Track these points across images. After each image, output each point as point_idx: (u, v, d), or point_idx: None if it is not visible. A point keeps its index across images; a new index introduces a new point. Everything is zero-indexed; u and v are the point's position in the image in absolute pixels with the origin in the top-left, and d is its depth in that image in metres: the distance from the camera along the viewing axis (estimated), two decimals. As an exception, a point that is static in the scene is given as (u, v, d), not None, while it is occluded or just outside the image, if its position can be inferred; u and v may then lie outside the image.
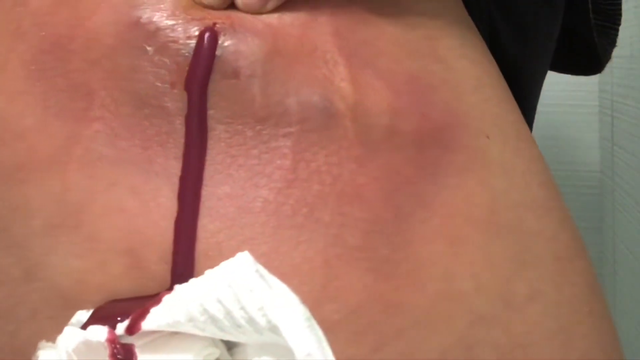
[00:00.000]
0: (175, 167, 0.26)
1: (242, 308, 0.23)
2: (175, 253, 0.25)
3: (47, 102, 0.28)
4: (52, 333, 0.26)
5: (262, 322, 0.22)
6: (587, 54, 0.49)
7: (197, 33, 0.27)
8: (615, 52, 0.85)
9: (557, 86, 0.86)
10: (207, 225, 0.26)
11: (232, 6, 0.28)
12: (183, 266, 0.25)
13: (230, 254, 0.25)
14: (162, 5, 0.28)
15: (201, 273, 0.25)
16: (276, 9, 0.28)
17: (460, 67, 0.31)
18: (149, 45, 0.27)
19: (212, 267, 0.25)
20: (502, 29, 0.40)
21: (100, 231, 0.26)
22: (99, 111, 0.27)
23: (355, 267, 0.26)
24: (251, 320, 0.22)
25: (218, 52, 0.27)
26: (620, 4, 0.48)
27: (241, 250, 0.25)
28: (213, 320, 0.23)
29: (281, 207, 0.26)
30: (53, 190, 0.27)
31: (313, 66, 0.28)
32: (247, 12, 0.28)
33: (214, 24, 0.27)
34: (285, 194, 0.26)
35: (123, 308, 0.25)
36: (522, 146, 0.31)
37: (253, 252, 0.25)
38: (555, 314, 0.28)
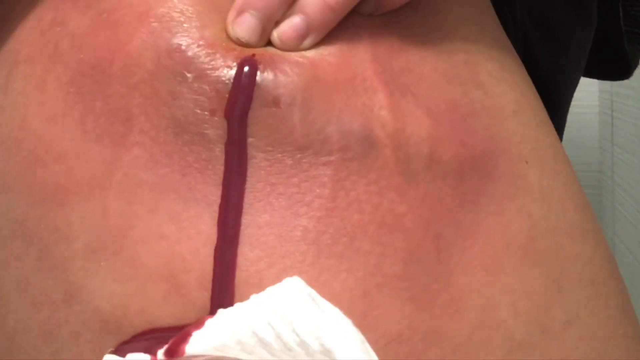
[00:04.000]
0: (214, 194, 0.27)
1: (294, 331, 0.23)
2: (215, 280, 0.26)
3: (85, 125, 0.28)
4: (92, 356, 0.26)
5: (314, 345, 0.23)
6: (616, 59, 0.50)
7: (236, 62, 0.27)
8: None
9: (558, 86, 0.86)
10: (247, 254, 0.26)
11: (269, 44, 0.29)
12: (223, 293, 0.26)
13: (270, 282, 0.25)
14: (201, 34, 0.28)
15: (241, 300, 0.25)
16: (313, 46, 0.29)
17: (500, 91, 0.31)
18: (189, 72, 0.27)
19: (252, 294, 0.25)
20: (536, 44, 0.41)
21: (141, 257, 0.26)
22: (139, 137, 0.27)
23: (394, 297, 0.26)
24: (303, 343, 0.23)
25: (258, 80, 0.27)
26: None
27: (281, 278, 0.25)
28: (262, 343, 0.23)
29: (321, 236, 0.26)
30: (93, 215, 0.27)
31: (352, 94, 0.28)
32: (284, 49, 0.28)
33: (253, 54, 0.28)
34: (325, 223, 0.26)
35: (161, 336, 0.26)
36: (559, 169, 0.31)
37: (294, 281, 0.26)
38: (591, 339, 0.29)
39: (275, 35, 0.28)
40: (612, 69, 0.51)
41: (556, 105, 0.43)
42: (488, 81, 0.31)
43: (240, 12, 0.28)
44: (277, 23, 0.29)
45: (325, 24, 0.29)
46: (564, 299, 0.28)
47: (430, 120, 0.28)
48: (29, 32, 0.30)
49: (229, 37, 0.28)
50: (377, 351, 0.25)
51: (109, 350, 0.26)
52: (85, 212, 0.27)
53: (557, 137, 0.33)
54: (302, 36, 0.28)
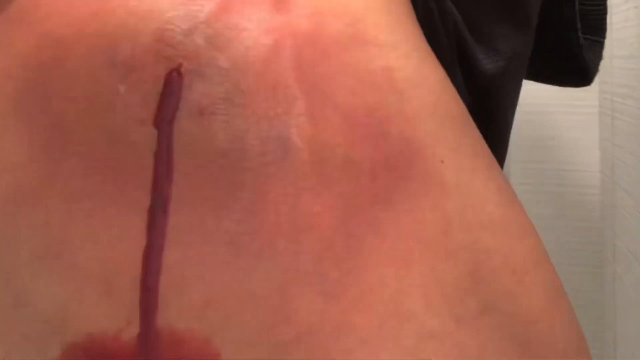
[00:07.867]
0: (145, 200, 0.29)
1: None
2: (143, 282, 0.28)
3: (32, 138, 0.30)
4: (38, 356, 0.28)
5: None
6: (575, 68, 0.50)
7: (165, 73, 0.29)
8: (615, 52, 0.85)
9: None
10: (171, 256, 0.28)
11: (199, 43, 0.30)
12: (150, 295, 0.28)
13: (193, 282, 0.27)
14: (133, 45, 0.30)
15: (166, 302, 0.27)
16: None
17: (416, 95, 0.32)
18: (121, 85, 0.29)
19: (175, 295, 0.27)
20: (471, 47, 0.42)
21: (78, 261, 0.28)
22: (77, 147, 0.29)
23: (307, 291, 0.28)
24: None
25: (184, 93, 0.29)
26: (605, 18, 0.49)
27: (203, 278, 0.27)
28: None
29: (240, 237, 0.28)
30: (38, 223, 0.29)
31: (273, 102, 0.30)
32: None
33: (180, 64, 0.29)
34: (244, 225, 0.28)
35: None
36: (479, 165, 0.33)
37: (214, 280, 0.27)
38: (509, 326, 0.29)
39: None
40: (571, 77, 0.51)
41: (499, 105, 0.44)
42: (405, 87, 0.32)
43: None
44: None
45: None
46: (479, 290, 0.30)
47: (346, 125, 0.30)
48: None
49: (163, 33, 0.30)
50: (291, 342, 0.27)
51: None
52: (31, 221, 0.29)
53: (478, 136, 0.34)
54: None
